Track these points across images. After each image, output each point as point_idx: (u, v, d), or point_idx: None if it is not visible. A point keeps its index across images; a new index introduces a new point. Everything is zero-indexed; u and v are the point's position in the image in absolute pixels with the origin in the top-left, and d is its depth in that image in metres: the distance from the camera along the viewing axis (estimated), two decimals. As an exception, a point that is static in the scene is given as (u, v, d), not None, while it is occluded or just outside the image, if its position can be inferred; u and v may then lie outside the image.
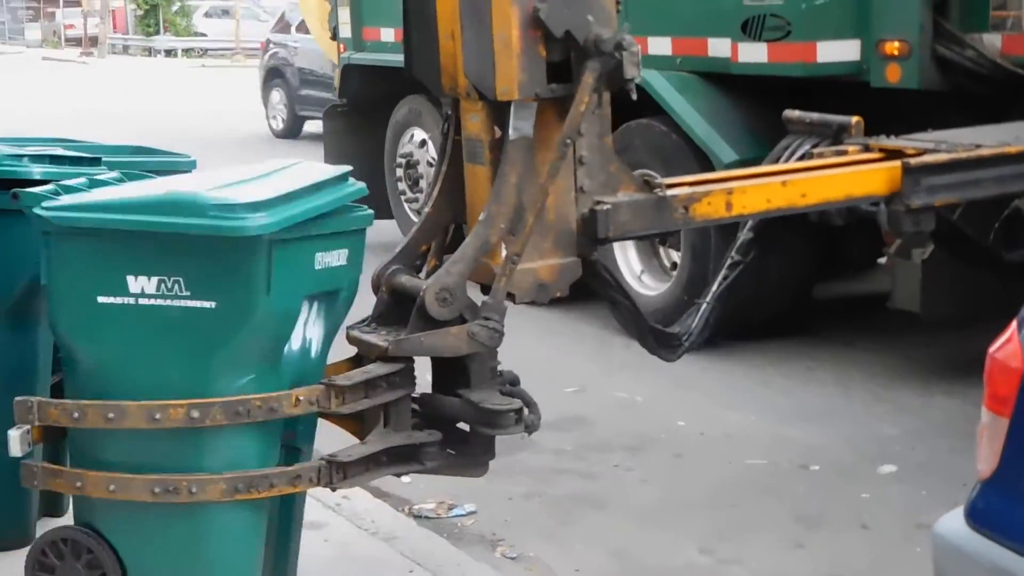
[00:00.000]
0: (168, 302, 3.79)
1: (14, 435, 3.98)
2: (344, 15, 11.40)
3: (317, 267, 4.04)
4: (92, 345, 3.91)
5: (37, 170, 4.55)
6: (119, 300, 3.83)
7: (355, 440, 4.32)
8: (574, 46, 4.38)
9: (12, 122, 16.92)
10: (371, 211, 4.31)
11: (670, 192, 4.90)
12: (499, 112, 4.46)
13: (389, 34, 10.89)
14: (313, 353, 4.18)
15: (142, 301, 3.81)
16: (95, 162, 4.79)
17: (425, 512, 5.67)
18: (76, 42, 51.21)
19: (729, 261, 5.84)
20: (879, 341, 8.10)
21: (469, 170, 4.63)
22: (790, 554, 5.35)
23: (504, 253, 4.44)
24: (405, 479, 5.84)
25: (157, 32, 48.75)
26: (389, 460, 4.24)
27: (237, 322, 3.81)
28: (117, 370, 3.88)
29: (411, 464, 4.29)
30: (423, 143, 10.72)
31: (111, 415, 3.86)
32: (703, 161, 7.80)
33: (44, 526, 4.58)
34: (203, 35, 48.22)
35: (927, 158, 5.70)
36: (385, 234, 9.12)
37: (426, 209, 4.72)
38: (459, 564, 4.89)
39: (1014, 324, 3.27)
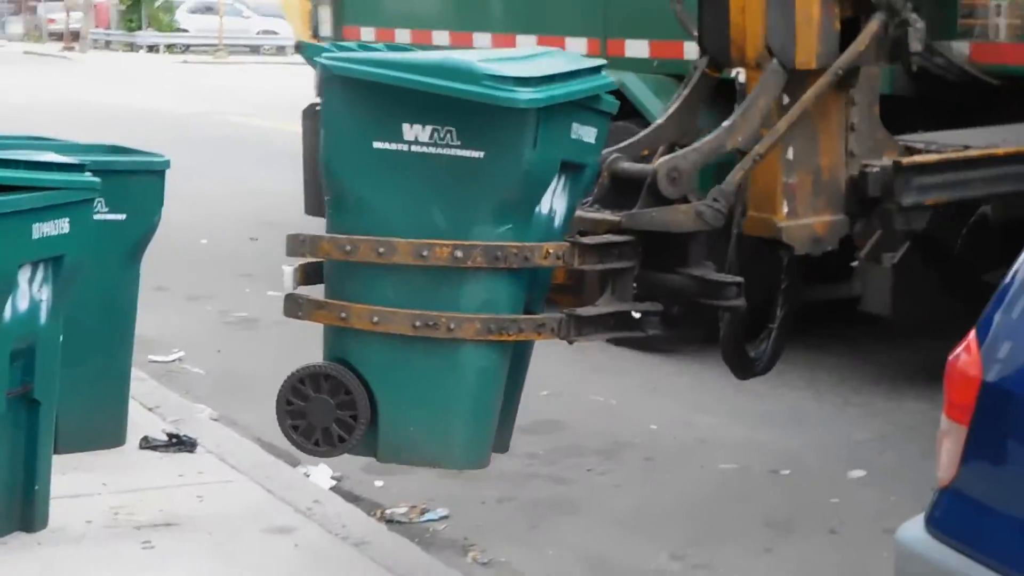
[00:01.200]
0: (440, 150, 4.11)
1: (288, 270, 4.35)
2: (325, 14, 11.39)
3: (572, 136, 4.37)
4: (364, 187, 4.22)
5: None
6: (394, 146, 4.14)
7: None
8: (865, 8, 5.13)
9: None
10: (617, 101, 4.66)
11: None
12: (788, 82, 5.14)
13: (370, 33, 10.89)
14: (556, 223, 4.50)
15: (415, 148, 4.12)
16: (45, 166, 4.76)
17: (397, 516, 5.65)
18: (58, 37, 51.05)
19: (784, 285, 5.78)
20: (850, 345, 8.16)
21: None
22: (759, 559, 5.40)
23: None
24: (378, 483, 5.90)
25: (139, 28, 48.63)
26: (616, 324, 4.61)
27: (503, 172, 4.12)
28: (385, 211, 4.18)
29: (633, 330, 4.67)
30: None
31: (382, 250, 4.17)
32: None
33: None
34: (185, 31, 48.14)
35: (917, 158, 5.76)
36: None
37: (659, 120, 5.30)
38: (430, 570, 4.90)
39: (972, 333, 3.29)
